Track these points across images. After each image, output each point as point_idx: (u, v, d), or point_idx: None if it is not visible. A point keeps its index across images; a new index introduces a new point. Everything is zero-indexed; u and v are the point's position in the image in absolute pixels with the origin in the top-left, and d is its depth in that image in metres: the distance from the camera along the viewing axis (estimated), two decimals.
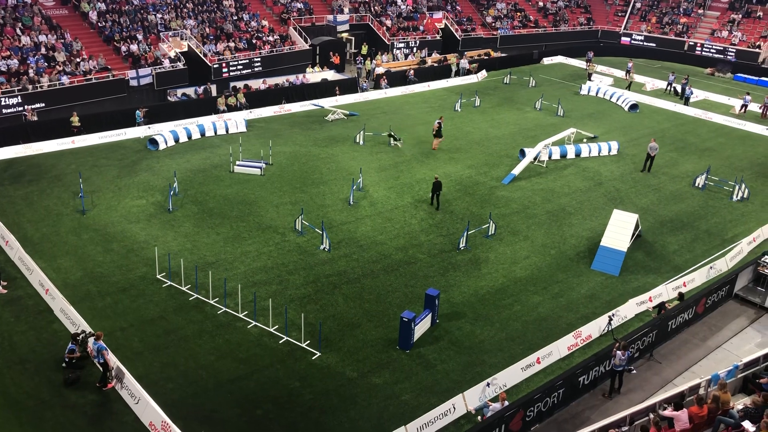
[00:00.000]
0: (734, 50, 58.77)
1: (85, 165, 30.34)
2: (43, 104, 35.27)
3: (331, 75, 46.18)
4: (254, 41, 45.28)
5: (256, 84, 42.59)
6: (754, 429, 14.25)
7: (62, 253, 22.91)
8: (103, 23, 41.64)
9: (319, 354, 18.79)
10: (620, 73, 54.04)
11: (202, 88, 40.73)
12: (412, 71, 48.09)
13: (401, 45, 53.08)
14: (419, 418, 16.16)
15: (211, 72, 42.07)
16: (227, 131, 35.66)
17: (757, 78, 55.15)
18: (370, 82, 47.54)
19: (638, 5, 65.87)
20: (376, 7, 55.37)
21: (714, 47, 59.78)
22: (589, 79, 51.63)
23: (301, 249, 23.95)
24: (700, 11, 63.39)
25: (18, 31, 38.18)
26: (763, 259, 23.73)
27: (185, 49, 42.29)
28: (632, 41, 63.49)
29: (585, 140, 37.13)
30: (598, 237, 25.64)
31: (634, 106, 44.42)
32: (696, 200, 30.51)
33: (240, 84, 42.28)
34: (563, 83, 51.40)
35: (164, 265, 22.28)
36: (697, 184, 31.90)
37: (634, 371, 19.01)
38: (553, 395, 17.02)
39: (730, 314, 22.22)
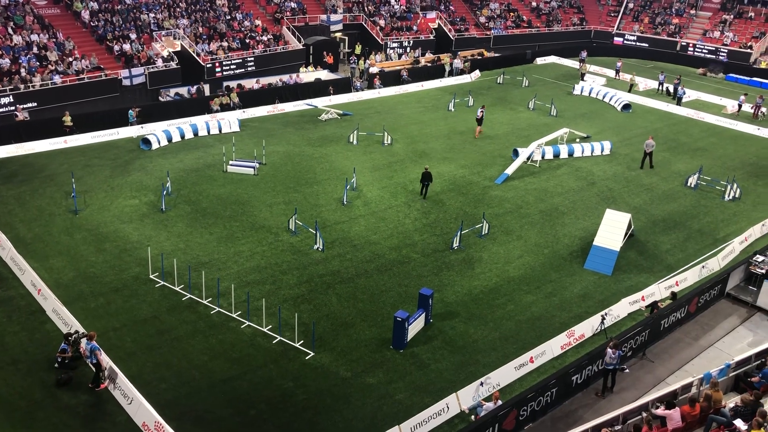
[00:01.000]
0: (726, 50, 59.04)
1: (77, 165, 30.21)
2: (36, 104, 35.10)
3: (324, 75, 46.13)
4: (247, 41, 45.20)
5: (250, 83, 42.51)
6: (745, 427, 14.32)
7: (54, 253, 22.81)
8: (96, 22, 41.47)
9: (312, 354, 18.77)
10: (613, 73, 54.19)
11: (195, 87, 40.62)
12: (405, 71, 48.10)
13: (395, 45, 53.07)
14: (413, 418, 16.17)
15: (204, 72, 41.96)
16: (220, 131, 35.58)
17: (748, 78, 55.43)
18: (364, 81, 47.55)
19: (631, 5, 66.08)
20: (369, 7, 55.36)
21: (706, 47, 60.04)
22: (582, 79, 51.76)
23: (294, 249, 23.92)
24: (692, 12, 63.64)
25: (10, 30, 37.98)
26: (754, 259, 23.85)
27: (178, 48, 42.17)
28: (625, 41, 63.68)
29: (578, 140, 37.22)
30: (591, 236, 25.70)
31: (626, 106, 44.57)
32: (688, 200, 30.63)
33: (233, 84, 42.19)
34: (556, 83, 51.50)
35: (157, 265, 22.21)
36: (689, 184, 32.03)
37: (627, 370, 19.07)
38: (546, 394, 17.06)
39: (722, 313, 22.33)
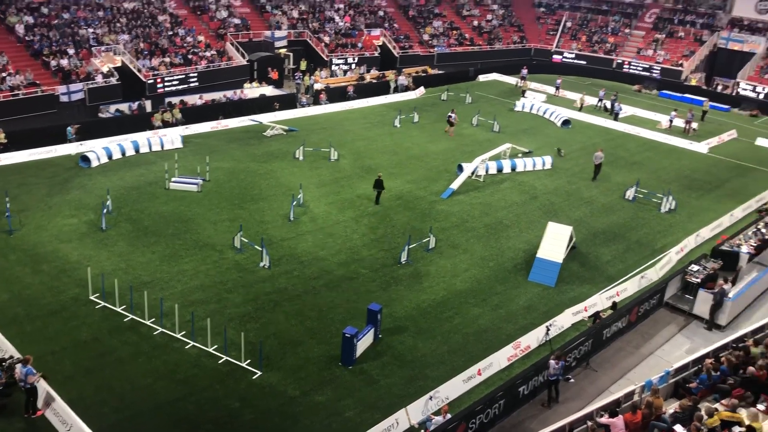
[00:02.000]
0: (659, 68, 61.33)
1: (11, 183, 29.13)
2: None
3: (269, 90, 45.89)
4: (190, 56, 44.60)
5: (193, 99, 41.92)
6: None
7: None
8: (31, 37, 40.24)
9: (260, 373, 18.47)
10: (553, 90, 55.59)
11: (137, 103, 39.79)
12: (351, 87, 48.25)
13: (340, 61, 53.23)
14: None
15: (146, 87, 41.16)
16: (162, 147, 34.91)
17: (680, 94, 57.66)
18: (309, 97, 47.49)
19: (569, 24, 68.07)
20: (314, 24, 55.45)
21: (640, 65, 62.22)
22: (523, 96, 52.91)
23: (240, 266, 23.57)
24: (627, 31, 65.96)
25: None
26: (690, 268, 24.70)
27: (119, 64, 41.28)
28: (563, 59, 65.45)
29: (520, 155, 37.97)
30: (535, 249, 26.19)
31: (566, 122, 45.72)
32: (627, 212, 31.55)
33: (176, 99, 41.53)
34: (498, 100, 52.51)
35: (97, 285, 21.54)
36: (627, 197, 33.01)
37: (572, 380, 19.41)
38: (494, 406, 17.20)
39: (660, 322, 23.01)
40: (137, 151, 34.16)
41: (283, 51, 52.30)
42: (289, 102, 44.40)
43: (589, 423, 15.35)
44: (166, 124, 38.00)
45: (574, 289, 24.03)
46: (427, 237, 26.40)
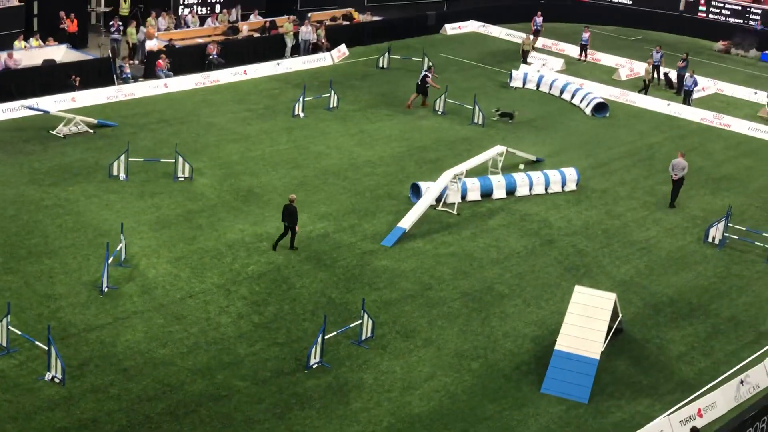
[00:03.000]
0: (760, 11, 63.56)
1: None
2: None
3: (61, 53, 45.28)
4: None
5: None
6: None
7: None
8: None
9: None
10: (576, 50, 56.92)
11: None
12: (215, 47, 48.16)
13: (193, 0, 53.10)
14: None
15: None
16: None
17: None
18: (138, 65, 46.92)
19: None
20: None
21: (728, 6, 64.42)
22: (526, 62, 53.93)
23: (7, 381, 22.90)
24: None
25: None
26: None
27: None
28: None
29: (522, 166, 38.45)
30: (551, 336, 26.29)
31: (601, 107, 46.74)
32: (711, 266, 32.17)
33: None
34: (481, 67, 53.35)
35: None
36: (711, 238, 33.74)
37: None
38: None
39: None
40: None
41: None
42: (99, 73, 43.94)
43: None
44: None
45: (622, 408, 24.18)
46: (357, 318, 26.26)
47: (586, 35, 56.52)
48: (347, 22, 56.94)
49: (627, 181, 38.48)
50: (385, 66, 51.18)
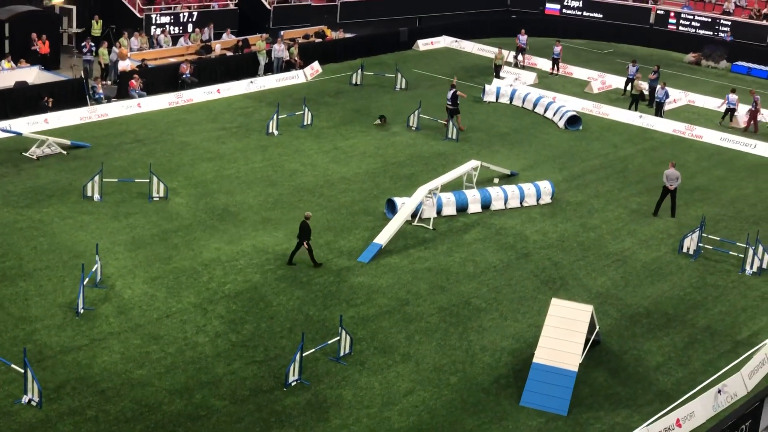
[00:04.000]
0: (729, 22, 63.99)
1: None
2: None
3: (34, 74, 45.16)
4: None
5: None
6: None
7: None
8: None
9: None
10: (548, 64, 57.22)
11: None
12: (188, 66, 48.12)
13: (165, 20, 53.08)
14: None
15: None
16: None
17: (767, 68, 59.99)
18: (110, 86, 46.80)
19: None
20: None
21: (697, 18, 64.85)
22: (498, 76, 54.15)
23: None
24: None
25: None
26: None
27: None
28: (564, 10, 67.69)
29: (496, 180, 38.57)
30: (529, 348, 26.34)
31: (574, 120, 46.95)
32: (686, 276, 32.34)
33: None
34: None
35: None
36: (685, 249, 33.92)
37: None
38: None
39: None
40: None
41: (58, 2, 51.72)
42: (72, 94, 43.85)
43: None
44: None
45: (601, 419, 24.22)
46: (335, 335, 26.24)
47: (557, 49, 56.78)
48: (320, 40, 57.01)
49: (601, 194, 38.65)
50: (358, 83, 51.26)
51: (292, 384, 24.49)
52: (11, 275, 28.68)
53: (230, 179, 37.13)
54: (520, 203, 36.73)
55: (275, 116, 43.04)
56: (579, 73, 56.83)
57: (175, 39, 52.94)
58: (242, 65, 51.20)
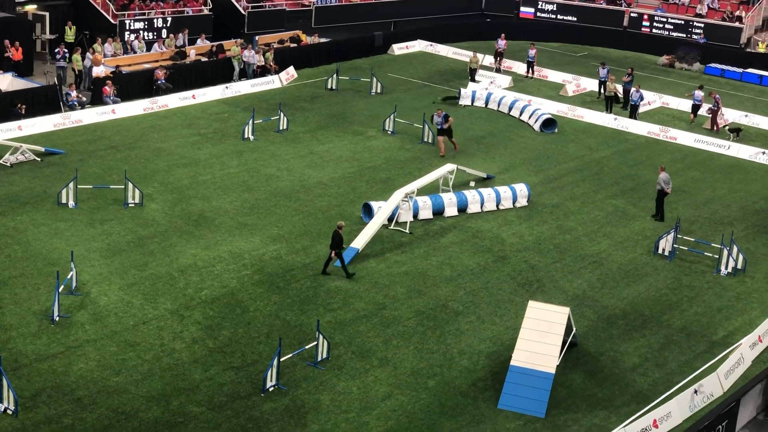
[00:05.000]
0: (702, 24, 64.39)
1: None
2: None
3: (7, 81, 44.99)
4: None
5: None
6: None
7: None
8: None
9: None
10: (523, 67, 57.39)
11: None
12: (162, 72, 48.02)
13: (138, 25, 52.95)
14: None
15: None
16: None
17: (740, 70, 60.47)
18: (85, 92, 46.63)
19: None
20: None
21: (671, 20, 65.20)
22: (473, 80, 54.27)
23: None
24: None
25: None
26: None
27: None
28: (538, 13, 67.92)
29: (473, 184, 38.65)
30: (506, 351, 26.41)
31: (549, 123, 47.09)
32: (662, 277, 32.50)
33: None
34: (430, 86, 53.51)
35: None
36: (661, 250, 34.08)
37: None
38: None
39: None
40: None
41: (31, 9, 51.50)
42: (45, 101, 43.69)
43: None
44: None
45: (578, 421, 24.30)
46: (312, 340, 26.22)
47: (532, 52, 56.95)
48: (296, 45, 56.98)
49: (577, 196, 38.78)
50: (333, 87, 51.24)
51: (270, 389, 24.47)
52: None
53: (206, 185, 37.05)
54: (497, 206, 36.81)
55: (251, 121, 42.98)
56: (554, 76, 57.04)
57: (149, 45, 52.81)
58: (217, 71, 51.12)
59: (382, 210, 34.09)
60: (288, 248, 32.27)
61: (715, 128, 48.59)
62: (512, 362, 25.27)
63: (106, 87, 45.36)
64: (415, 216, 35.17)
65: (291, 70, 52.74)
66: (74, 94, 44.83)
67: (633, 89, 49.79)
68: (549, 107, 49.69)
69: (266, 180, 37.98)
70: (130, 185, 34.69)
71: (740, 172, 43.51)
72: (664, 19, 65.39)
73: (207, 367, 25.37)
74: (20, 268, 29.63)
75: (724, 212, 38.36)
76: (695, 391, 25.19)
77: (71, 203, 34.25)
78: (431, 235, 34.32)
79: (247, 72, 51.58)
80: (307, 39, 58.37)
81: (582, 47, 65.88)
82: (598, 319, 29.45)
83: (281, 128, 44.01)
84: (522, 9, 68.20)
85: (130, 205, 34.53)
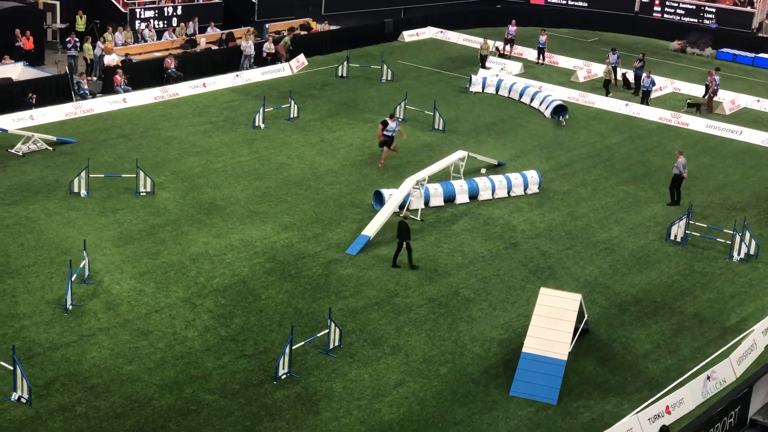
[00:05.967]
0: (714, 9, 64.12)
1: None
2: None
3: (18, 71, 45.05)
4: None
5: None
6: None
7: None
8: None
9: None
10: (534, 54, 57.25)
11: None
12: (172, 60, 48.02)
13: (149, 14, 52.95)
14: None
15: None
16: None
17: (752, 55, 60.23)
18: (96, 81, 46.66)
19: None
20: None
21: (682, 5, 64.94)
22: (484, 67, 54.16)
23: None
24: None
25: None
26: None
27: None
28: (548, 0, 67.65)
29: (484, 171, 38.62)
30: (518, 337, 26.43)
31: (560, 109, 47.00)
32: (674, 264, 32.48)
33: None
34: (441, 73, 53.41)
35: None
36: (673, 236, 34.04)
37: None
38: None
39: None
40: None
41: None
42: (56, 91, 43.77)
43: None
44: None
45: (591, 408, 24.32)
46: (323, 327, 26.26)
47: (543, 38, 56.80)
48: (306, 32, 56.93)
49: (588, 182, 38.73)
50: (344, 75, 51.19)
51: (282, 377, 24.53)
52: None
53: (217, 173, 37.08)
54: (508, 193, 36.78)
55: (261, 109, 42.98)
56: (565, 62, 56.89)
57: (159, 33, 52.82)
58: (227, 59, 51.05)
59: (393, 197, 34.09)
60: (299, 236, 32.29)
61: (709, 108, 48.68)
62: (524, 349, 25.31)
63: (117, 76, 45.40)
64: (426, 203, 35.17)
65: (301, 57, 52.68)
66: (85, 83, 44.90)
67: (644, 75, 49.69)
68: (560, 94, 49.56)
69: (277, 168, 38.00)
70: (142, 174, 34.74)
71: (753, 157, 43.42)
72: (676, 4, 65.17)
73: (219, 355, 25.44)
74: (33, 257, 29.73)
75: (737, 198, 38.29)
76: (708, 378, 25.19)
77: (83, 192, 34.32)
78: (442, 223, 34.32)
79: (243, 64, 50.96)
80: (317, 26, 58.31)
81: (593, 33, 65.71)
82: (610, 305, 29.45)
83: (292, 116, 44.00)
84: None
85: (141, 193, 34.58)
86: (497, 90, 50.15)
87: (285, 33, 54.71)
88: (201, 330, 26.52)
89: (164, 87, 46.37)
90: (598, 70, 54.10)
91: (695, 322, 28.84)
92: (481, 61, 54.47)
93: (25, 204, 33.26)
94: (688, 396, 24.61)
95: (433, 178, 35.83)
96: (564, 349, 25.23)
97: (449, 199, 35.85)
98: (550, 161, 40.83)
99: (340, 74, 51.28)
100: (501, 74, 52.13)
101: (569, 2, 67.58)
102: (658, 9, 65.57)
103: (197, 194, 34.99)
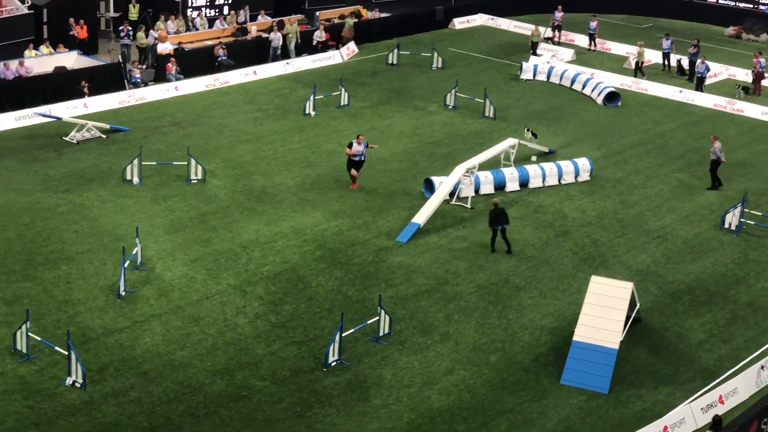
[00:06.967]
0: None
1: None
2: None
3: (72, 59, 45.46)
4: None
5: None
6: None
7: None
8: None
9: None
10: (585, 40, 56.82)
11: None
12: (223, 49, 48.22)
13: (201, 3, 53.19)
14: None
15: None
16: None
17: None
18: (148, 70, 46.99)
19: None
20: None
21: None
22: (535, 53, 53.87)
23: (28, 387, 23.03)
24: None
25: None
26: None
27: None
28: None
29: (534, 158, 38.46)
30: (569, 326, 26.34)
31: (612, 96, 46.67)
32: (729, 253, 32.17)
33: None
34: (491, 60, 53.23)
35: None
36: (727, 225, 33.70)
37: None
38: None
39: None
40: None
41: None
42: (110, 79, 44.17)
43: None
44: None
45: (642, 397, 24.20)
46: (374, 315, 26.33)
47: (593, 24, 56.34)
48: (356, 20, 56.90)
49: (641, 170, 38.43)
50: (394, 62, 51.17)
51: (332, 364, 24.62)
52: (54, 259, 28.98)
53: (268, 161, 37.24)
54: (558, 181, 36.61)
55: (312, 97, 43.10)
56: (617, 48, 56.43)
57: (211, 21, 53.07)
58: (278, 47, 51.17)
59: (443, 185, 34.05)
60: (349, 224, 32.35)
61: (757, 92, 48.33)
62: (575, 337, 25.22)
63: (169, 64, 45.72)
64: (477, 191, 35.09)
65: (352, 45, 52.71)
66: (137, 71, 45.24)
67: (699, 61, 49.22)
68: (612, 80, 49.17)
69: (327, 156, 38.08)
70: (193, 161, 34.98)
71: None
72: None
73: (270, 341, 25.58)
74: (87, 243, 30.05)
75: None
76: (762, 367, 24.97)
77: (136, 180, 34.62)
78: None
79: (270, 55, 50.24)
80: (367, 14, 58.28)
81: (646, 19, 65.11)
82: (663, 294, 29.25)
83: (342, 104, 44.07)
84: None
85: (192, 181, 34.83)
86: (548, 77, 49.88)
87: (347, 16, 54.84)
88: (251, 317, 26.68)
89: (215, 75, 46.60)
90: (651, 56, 53.55)
91: (749, 311, 28.56)
92: (532, 48, 54.16)
93: (79, 191, 33.61)
94: (742, 386, 24.41)
95: (483, 166, 35.75)
96: (615, 338, 25.11)
97: (499, 186, 35.74)
98: (602, 149, 40.56)
99: (390, 62, 51.27)
100: (552, 61, 51.83)
101: None
102: None
103: (248, 182, 35.16)
